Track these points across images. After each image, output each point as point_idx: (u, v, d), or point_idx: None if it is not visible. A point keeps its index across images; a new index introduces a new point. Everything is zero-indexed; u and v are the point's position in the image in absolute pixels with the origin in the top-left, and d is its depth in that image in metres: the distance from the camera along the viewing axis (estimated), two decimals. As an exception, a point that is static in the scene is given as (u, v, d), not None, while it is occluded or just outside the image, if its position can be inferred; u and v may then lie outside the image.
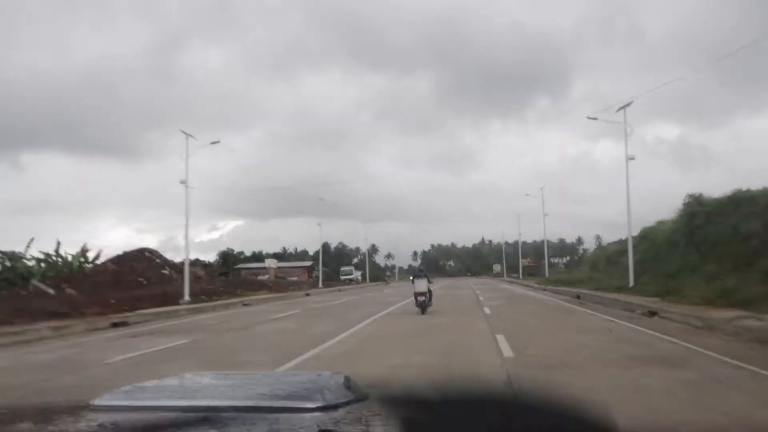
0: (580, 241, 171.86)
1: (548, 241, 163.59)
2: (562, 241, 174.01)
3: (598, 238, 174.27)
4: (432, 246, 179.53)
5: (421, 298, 19.09)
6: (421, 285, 19.33)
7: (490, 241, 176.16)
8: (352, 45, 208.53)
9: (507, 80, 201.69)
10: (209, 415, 1.24)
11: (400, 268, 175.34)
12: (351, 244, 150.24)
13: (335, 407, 1.27)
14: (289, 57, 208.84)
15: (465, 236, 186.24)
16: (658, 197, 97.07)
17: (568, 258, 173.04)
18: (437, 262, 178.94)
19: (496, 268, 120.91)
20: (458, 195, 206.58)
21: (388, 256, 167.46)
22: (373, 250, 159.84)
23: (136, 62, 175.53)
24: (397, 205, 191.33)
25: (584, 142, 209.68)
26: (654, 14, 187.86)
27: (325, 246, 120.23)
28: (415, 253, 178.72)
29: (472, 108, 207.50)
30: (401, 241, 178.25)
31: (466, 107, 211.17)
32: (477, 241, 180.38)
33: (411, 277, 21.00)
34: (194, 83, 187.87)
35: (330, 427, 1.12)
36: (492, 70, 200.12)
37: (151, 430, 1.20)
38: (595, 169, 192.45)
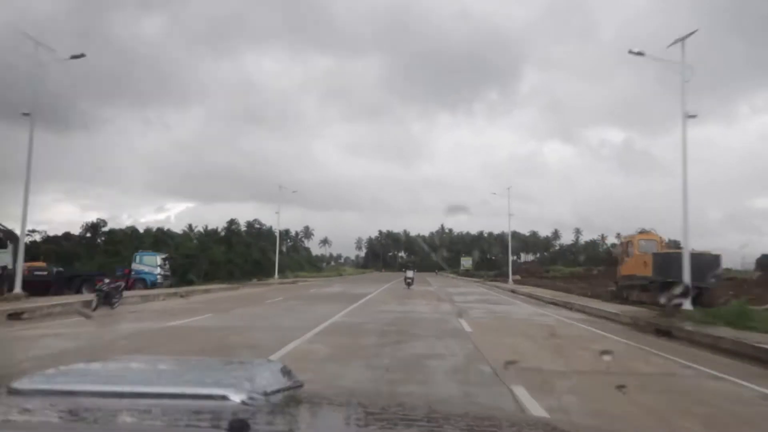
0: (556, 235, 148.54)
1: (515, 233, 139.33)
2: (534, 234, 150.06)
3: (577, 231, 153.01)
4: (380, 233, 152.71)
5: (409, 281, 37.46)
6: (410, 273, 38.58)
7: (451, 230, 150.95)
8: (297, 23, 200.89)
9: (457, 70, 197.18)
10: (131, 401, 1.23)
11: (346, 259, 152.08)
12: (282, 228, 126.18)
13: (263, 395, 1.27)
14: (231, 32, 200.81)
15: (418, 227, 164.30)
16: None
17: (538, 254, 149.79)
18: (386, 252, 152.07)
19: (466, 262, 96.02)
20: (408, 186, 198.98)
21: (324, 242, 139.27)
22: (307, 233, 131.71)
23: (64, 23, 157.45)
24: (343, 192, 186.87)
25: (533, 139, 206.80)
26: (608, 12, 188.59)
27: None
28: (360, 241, 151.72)
29: (421, 97, 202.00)
30: (346, 229, 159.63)
31: (415, 96, 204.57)
32: (435, 228, 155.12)
33: (404, 269, 43.55)
34: (130, 54, 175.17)
35: (248, 415, 1.11)
36: (442, 60, 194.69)
37: (70, 416, 1.19)
38: (547, 166, 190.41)
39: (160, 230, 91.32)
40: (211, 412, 1.18)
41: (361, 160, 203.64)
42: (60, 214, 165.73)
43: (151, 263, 33.24)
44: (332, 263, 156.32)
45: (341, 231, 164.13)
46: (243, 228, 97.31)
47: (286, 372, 1.51)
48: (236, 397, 1.23)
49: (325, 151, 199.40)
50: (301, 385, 1.47)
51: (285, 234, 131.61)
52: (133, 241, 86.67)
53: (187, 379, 1.42)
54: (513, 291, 32.61)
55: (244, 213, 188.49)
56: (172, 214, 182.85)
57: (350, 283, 43.08)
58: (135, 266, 33.14)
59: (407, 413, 1.50)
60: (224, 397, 1.23)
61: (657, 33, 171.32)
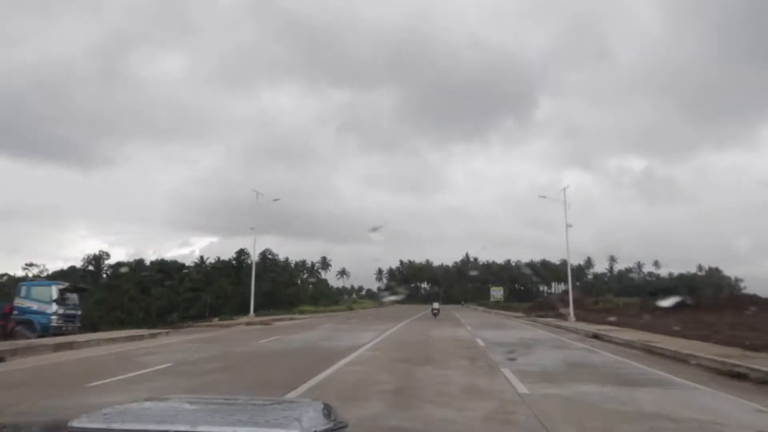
0: (589, 263, 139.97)
1: (545, 262, 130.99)
2: (564, 263, 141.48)
3: (612, 259, 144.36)
4: (401, 263, 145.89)
5: (435, 311, 42.81)
6: (436, 305, 44.83)
7: (476, 259, 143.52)
8: (312, 59, 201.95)
9: (471, 100, 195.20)
10: None
11: (367, 291, 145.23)
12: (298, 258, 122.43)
13: None
14: (248, 69, 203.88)
15: (440, 258, 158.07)
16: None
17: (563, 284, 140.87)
18: (408, 283, 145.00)
19: (497, 293, 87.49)
20: (428, 217, 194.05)
21: (342, 273, 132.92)
22: (324, 264, 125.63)
23: (84, 66, 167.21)
24: (362, 224, 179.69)
25: (551, 167, 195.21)
26: (623, 39, 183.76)
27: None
28: (380, 272, 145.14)
29: (436, 127, 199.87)
30: (365, 261, 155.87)
31: (430, 126, 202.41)
32: (459, 258, 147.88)
33: (432, 303, 47.85)
34: (149, 92, 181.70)
35: None
36: (456, 90, 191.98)
37: None
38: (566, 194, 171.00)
39: (163, 261, 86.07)
40: None
41: (378, 192, 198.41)
42: (88, 250, 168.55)
43: (44, 297, 22.15)
44: (353, 296, 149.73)
45: (360, 263, 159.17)
46: (257, 259, 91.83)
47: (329, 411, 1.59)
48: None
49: (343, 184, 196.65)
50: (345, 425, 1.52)
51: (302, 265, 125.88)
52: (137, 274, 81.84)
53: (239, 419, 1.50)
54: (597, 336, 19.91)
55: (266, 246, 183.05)
56: (197, 248, 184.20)
57: (352, 323, 36.77)
58: (19, 302, 22.37)
59: None
60: None
61: (670, 58, 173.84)
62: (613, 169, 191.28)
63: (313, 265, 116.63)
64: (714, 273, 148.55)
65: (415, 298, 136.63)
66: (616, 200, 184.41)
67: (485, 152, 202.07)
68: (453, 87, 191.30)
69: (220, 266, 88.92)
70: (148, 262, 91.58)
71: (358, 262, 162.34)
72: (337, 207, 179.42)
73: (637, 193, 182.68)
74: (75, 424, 1.43)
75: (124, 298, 73.88)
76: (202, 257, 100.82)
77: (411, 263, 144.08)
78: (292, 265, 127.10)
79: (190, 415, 1.59)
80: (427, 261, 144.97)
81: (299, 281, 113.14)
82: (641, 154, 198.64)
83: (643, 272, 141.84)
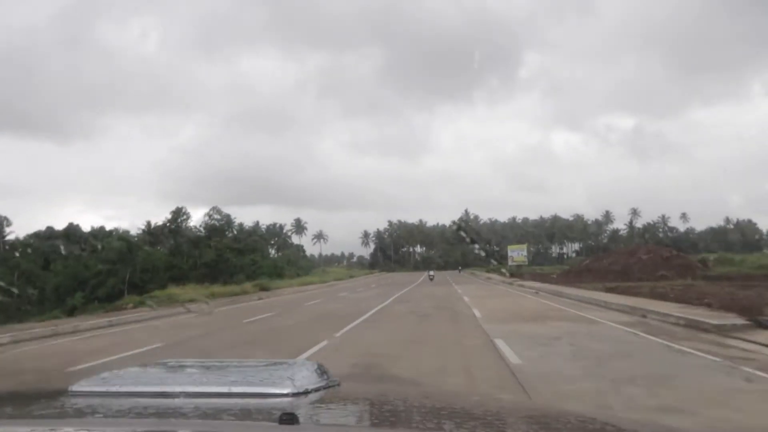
0: (608, 218, 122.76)
1: (556, 218, 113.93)
2: (578, 218, 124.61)
3: (634, 212, 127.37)
4: (390, 224, 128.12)
5: (431, 276, 47.32)
6: (431, 273, 51.32)
7: (476, 217, 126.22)
8: (289, 21, 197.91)
9: (455, 60, 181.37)
10: (182, 400, 1.36)
11: (359, 258, 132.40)
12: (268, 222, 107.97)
13: (305, 393, 1.40)
14: (223, 35, 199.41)
15: (434, 219, 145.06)
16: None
17: (580, 243, 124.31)
18: (399, 248, 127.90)
19: (517, 253, 62.28)
20: (417, 181, 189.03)
21: (318, 237, 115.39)
22: (298, 228, 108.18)
23: (52, 35, 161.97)
24: (349, 190, 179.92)
25: (540, 126, 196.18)
26: None
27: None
28: (366, 235, 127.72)
29: (420, 89, 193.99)
30: (353, 228, 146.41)
31: (413, 88, 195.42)
32: (456, 216, 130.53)
33: (428, 271, 58.34)
34: (121, 61, 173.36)
35: (296, 411, 1.19)
36: (438, 49, 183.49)
37: (126, 415, 1.30)
38: (556, 153, 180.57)
39: (73, 227, 68.30)
40: (260, 408, 1.31)
41: (364, 157, 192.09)
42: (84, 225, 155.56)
43: None
44: (343, 263, 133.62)
45: (349, 231, 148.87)
46: (203, 221, 74.05)
47: (323, 371, 1.63)
48: (280, 395, 1.37)
49: (328, 150, 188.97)
50: (338, 384, 1.59)
51: (273, 230, 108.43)
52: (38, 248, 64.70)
53: (233, 380, 1.54)
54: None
55: (258, 216, 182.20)
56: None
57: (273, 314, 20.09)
58: None
59: (437, 411, 1.58)
60: (271, 395, 1.37)
61: (655, 13, 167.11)
62: (603, 127, 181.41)
63: (281, 227, 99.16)
64: (745, 226, 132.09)
65: (405, 265, 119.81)
66: (606, 158, 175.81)
67: (471, 112, 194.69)
68: (435, 46, 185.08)
69: (154, 232, 71.49)
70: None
71: (347, 230, 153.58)
72: (323, 173, 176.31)
73: (625, 150, 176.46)
74: (75, 388, 1.49)
75: (13, 275, 56.55)
76: (149, 223, 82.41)
77: (401, 224, 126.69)
78: (263, 230, 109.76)
79: (185, 377, 1.64)
80: (420, 221, 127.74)
81: (271, 249, 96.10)
82: (630, 111, 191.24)
83: (667, 226, 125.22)
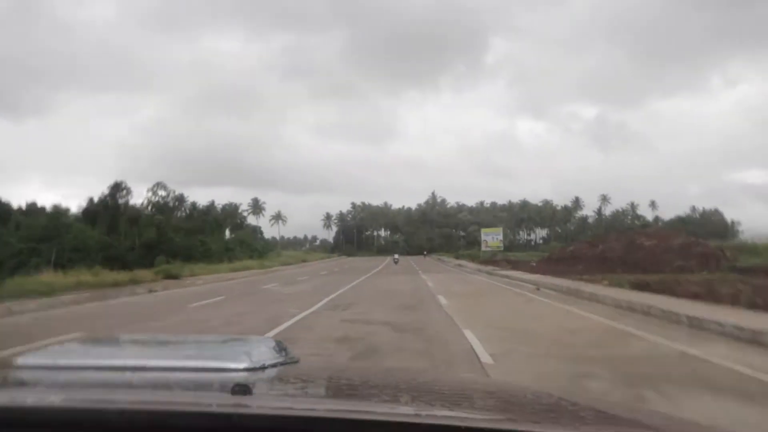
0: (578, 204, 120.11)
1: (525, 204, 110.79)
2: (547, 203, 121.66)
3: (604, 198, 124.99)
4: (353, 206, 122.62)
5: (396, 260, 52.28)
6: (396, 257, 57.01)
7: (443, 200, 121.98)
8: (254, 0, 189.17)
9: (422, 44, 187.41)
10: (132, 374, 1.31)
11: (322, 242, 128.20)
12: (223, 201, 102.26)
13: (262, 368, 1.36)
14: (185, 12, 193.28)
15: (400, 203, 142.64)
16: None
17: (548, 230, 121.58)
18: (362, 231, 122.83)
19: (491, 237, 54.67)
20: (383, 165, 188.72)
21: (277, 217, 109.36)
22: (255, 208, 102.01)
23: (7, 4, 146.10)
24: (315, 174, 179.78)
25: (507, 114, 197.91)
26: None
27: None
28: (328, 217, 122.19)
29: (387, 73, 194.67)
30: (317, 211, 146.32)
31: (380, 72, 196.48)
32: (423, 200, 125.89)
33: (393, 255, 63.04)
34: (79, 36, 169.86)
35: (248, 383, 1.18)
36: (405, 33, 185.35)
37: (72, 388, 1.25)
38: (522, 140, 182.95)
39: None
40: (213, 382, 1.26)
41: (330, 141, 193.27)
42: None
43: None
44: (305, 247, 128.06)
45: (312, 212, 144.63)
46: (146, 197, 67.34)
47: (281, 348, 1.59)
48: (236, 369, 1.32)
49: (294, 133, 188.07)
50: (297, 361, 1.57)
51: (229, 209, 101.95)
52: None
53: (188, 354, 1.52)
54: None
55: (222, 198, 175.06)
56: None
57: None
58: None
59: (392, 386, 1.56)
60: (225, 369, 1.32)
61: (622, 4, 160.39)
62: (567, 116, 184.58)
63: (236, 207, 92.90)
64: (711, 215, 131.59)
65: (368, 248, 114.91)
66: (570, 146, 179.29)
67: (438, 98, 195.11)
68: (402, 30, 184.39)
69: (93, 209, 64.60)
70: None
71: (312, 213, 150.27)
72: (288, 156, 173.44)
73: (589, 139, 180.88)
74: (21, 361, 1.43)
75: None
76: (91, 199, 74.94)
77: (365, 206, 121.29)
78: (219, 210, 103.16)
79: (138, 351, 1.60)
80: (385, 204, 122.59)
81: (225, 229, 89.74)
82: (595, 100, 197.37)
83: (637, 214, 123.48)
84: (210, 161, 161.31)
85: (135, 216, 58.31)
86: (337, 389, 1.50)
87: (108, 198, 62.75)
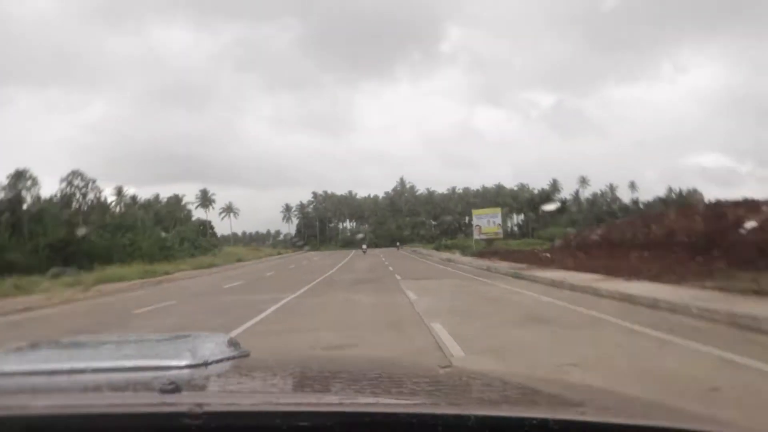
0: (555, 186, 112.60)
1: (500, 188, 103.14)
2: (524, 187, 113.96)
3: (583, 181, 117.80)
4: (315, 195, 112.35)
5: (364, 250, 57.17)
6: (364, 248, 60.55)
7: (413, 187, 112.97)
8: None
9: (377, 31, 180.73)
10: (66, 378, 1.26)
11: (274, 235, 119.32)
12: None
13: (205, 364, 1.31)
14: (130, 3, 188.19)
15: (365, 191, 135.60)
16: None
17: (522, 216, 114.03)
18: (326, 223, 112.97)
19: (488, 221, 44.27)
20: (345, 158, 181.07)
21: (228, 210, 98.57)
22: (204, 201, 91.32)
23: None
24: (273, 168, 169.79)
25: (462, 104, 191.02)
26: None
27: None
28: (288, 209, 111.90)
29: (343, 63, 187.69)
30: (278, 204, 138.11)
31: (336, 61, 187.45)
32: (393, 183, 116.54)
33: (362, 245, 64.22)
34: (18, 28, 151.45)
35: (183, 380, 1.14)
36: (359, 20, 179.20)
37: (8, 394, 1.21)
38: (481, 129, 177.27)
39: None
40: (147, 382, 1.19)
41: (288, 134, 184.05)
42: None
43: None
44: (269, 242, 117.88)
45: (274, 207, 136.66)
46: (59, 189, 56.28)
47: (232, 344, 1.55)
48: (177, 366, 1.27)
49: (250, 126, 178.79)
50: (246, 355, 1.52)
51: (174, 203, 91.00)
52: None
53: (127, 354, 1.47)
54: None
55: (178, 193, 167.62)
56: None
57: None
58: None
59: (336, 374, 1.55)
60: (164, 368, 1.26)
61: None
62: (525, 104, 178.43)
63: (179, 199, 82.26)
64: (692, 195, 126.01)
65: (334, 241, 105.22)
66: (529, 134, 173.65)
67: (396, 87, 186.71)
68: (356, 16, 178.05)
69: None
70: None
71: (274, 207, 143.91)
72: (245, 150, 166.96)
73: (546, 126, 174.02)
74: None
75: None
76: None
77: (327, 195, 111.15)
78: (161, 203, 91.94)
79: (74, 354, 1.55)
80: (350, 192, 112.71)
81: (172, 226, 78.99)
82: (551, 88, 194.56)
83: (616, 196, 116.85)
84: (166, 158, 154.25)
85: (37, 212, 47.55)
86: (279, 383, 1.44)
87: (7, 190, 51.45)
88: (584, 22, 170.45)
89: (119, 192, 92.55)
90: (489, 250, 34.58)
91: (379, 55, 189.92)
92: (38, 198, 52.05)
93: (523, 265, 20.26)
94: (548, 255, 27.87)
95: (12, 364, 1.40)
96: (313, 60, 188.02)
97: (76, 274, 30.26)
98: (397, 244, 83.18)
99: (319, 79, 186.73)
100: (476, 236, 43.45)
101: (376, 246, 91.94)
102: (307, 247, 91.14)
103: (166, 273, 30.56)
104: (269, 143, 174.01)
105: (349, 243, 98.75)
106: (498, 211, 48.28)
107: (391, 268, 27.54)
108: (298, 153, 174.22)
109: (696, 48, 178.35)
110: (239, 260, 50.48)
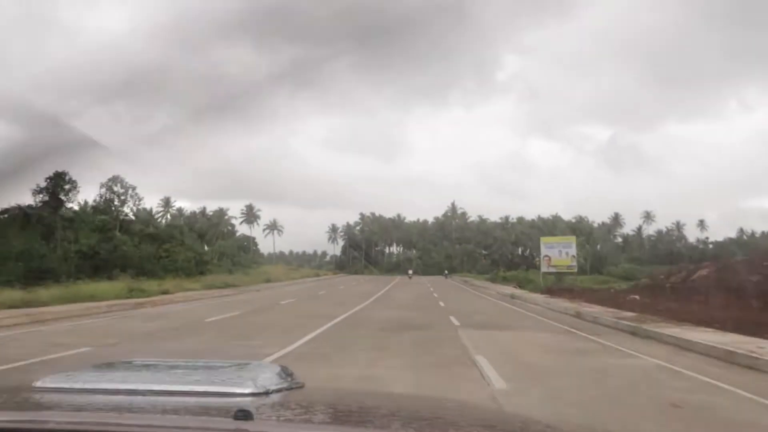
0: (617, 220, 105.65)
1: (556, 219, 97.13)
2: (581, 219, 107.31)
3: (647, 216, 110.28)
4: (362, 217, 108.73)
5: (410, 275, 66.57)
6: (411, 271, 72.28)
7: (464, 213, 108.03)
8: (261, 12, 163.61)
9: (431, 60, 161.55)
10: (143, 398, 1.39)
11: (321, 256, 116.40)
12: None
13: (266, 393, 1.44)
14: (194, 24, 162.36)
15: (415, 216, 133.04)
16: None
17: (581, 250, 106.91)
18: (372, 246, 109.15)
19: (562, 251, 37.48)
20: (394, 182, 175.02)
21: (272, 227, 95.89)
22: (249, 217, 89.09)
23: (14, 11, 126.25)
24: (322, 188, 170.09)
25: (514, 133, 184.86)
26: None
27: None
28: (334, 230, 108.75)
29: (396, 88, 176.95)
30: (325, 225, 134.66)
31: (389, 87, 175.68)
32: (441, 210, 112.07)
33: (408, 270, 75.60)
34: (89, 45, 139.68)
35: (252, 408, 1.23)
36: (414, 49, 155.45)
37: (87, 411, 1.33)
38: (533, 160, 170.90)
39: None
40: (219, 406, 1.33)
41: (339, 154, 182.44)
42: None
43: None
44: (315, 263, 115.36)
45: (321, 227, 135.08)
46: (99, 193, 54.09)
47: (287, 373, 1.68)
48: (241, 394, 1.40)
49: (304, 146, 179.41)
50: (301, 386, 1.63)
51: (219, 217, 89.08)
52: None
53: (196, 379, 1.58)
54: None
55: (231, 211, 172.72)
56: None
57: None
58: None
59: (391, 411, 1.61)
60: (230, 394, 1.40)
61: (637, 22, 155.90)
62: (579, 137, 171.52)
63: (222, 213, 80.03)
64: (764, 239, 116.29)
65: (380, 265, 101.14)
66: (581, 167, 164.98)
67: (447, 113, 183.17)
68: (411, 42, 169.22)
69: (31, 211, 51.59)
70: None
71: (321, 228, 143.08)
72: (299, 170, 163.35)
73: (601, 160, 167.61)
74: (38, 384, 1.50)
75: None
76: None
77: (375, 217, 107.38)
78: (208, 216, 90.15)
79: (149, 376, 1.67)
80: (398, 215, 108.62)
81: (212, 239, 76.74)
82: (607, 121, 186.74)
83: (683, 235, 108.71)
84: (218, 174, 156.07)
85: (71, 216, 45.27)
86: (337, 414, 1.51)
87: (45, 193, 49.46)
88: (644, 55, 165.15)
89: (167, 203, 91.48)
90: (560, 286, 29.65)
91: (432, 81, 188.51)
92: (76, 203, 49.92)
93: (630, 314, 15.51)
94: (636, 297, 22.96)
95: (93, 383, 1.52)
96: (366, 84, 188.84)
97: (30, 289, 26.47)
98: (446, 272, 78.41)
99: (372, 102, 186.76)
100: (544, 269, 37.75)
101: (423, 273, 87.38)
102: (334, 270, 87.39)
103: (164, 293, 26.21)
104: (320, 164, 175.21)
105: (395, 268, 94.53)
106: (572, 240, 41.65)
107: (442, 304, 22.62)
108: (347, 175, 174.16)
109: (763, 86, 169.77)
110: (268, 281, 46.71)
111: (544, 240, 41.57)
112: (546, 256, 37.70)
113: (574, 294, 25.83)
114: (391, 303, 23.24)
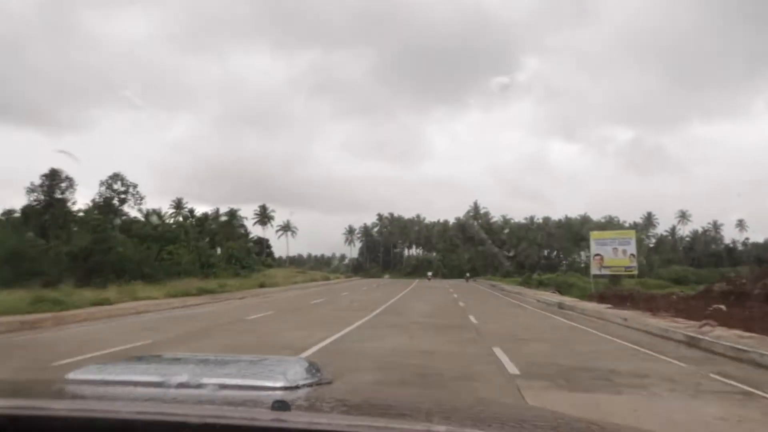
0: (650, 220, 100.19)
1: (585, 218, 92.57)
2: (611, 219, 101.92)
3: (683, 216, 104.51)
4: (380, 217, 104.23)
5: (429, 277, 73.75)
6: (430, 274, 75.51)
7: (487, 213, 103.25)
8: (278, 16, 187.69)
9: (451, 62, 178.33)
10: (176, 390, 1.41)
11: (339, 259, 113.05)
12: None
13: (297, 387, 1.47)
14: (211, 30, 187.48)
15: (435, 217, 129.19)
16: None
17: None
18: (390, 248, 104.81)
19: (621, 248, 29.81)
20: (409, 184, 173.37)
21: (285, 228, 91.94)
22: (263, 218, 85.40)
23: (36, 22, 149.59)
24: (340, 192, 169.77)
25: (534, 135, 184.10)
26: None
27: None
28: (351, 231, 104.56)
29: (415, 91, 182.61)
30: (343, 228, 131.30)
31: (408, 90, 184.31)
32: (461, 212, 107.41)
33: (428, 273, 78.27)
34: (108, 53, 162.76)
35: (287, 399, 1.25)
36: (434, 51, 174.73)
37: (117, 401, 1.35)
38: (553, 162, 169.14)
39: None
40: (253, 399, 1.36)
41: (358, 158, 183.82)
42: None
43: None
44: (334, 265, 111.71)
45: (339, 230, 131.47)
46: (99, 192, 50.44)
47: (316, 368, 1.69)
48: (273, 387, 1.43)
49: (322, 150, 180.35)
50: (330, 382, 1.66)
51: (232, 216, 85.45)
52: None
53: (227, 372, 1.61)
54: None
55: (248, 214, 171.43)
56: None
57: None
58: None
59: (426, 407, 1.61)
60: (263, 387, 1.43)
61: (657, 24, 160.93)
62: (600, 138, 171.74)
63: (233, 213, 76.49)
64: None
65: (398, 267, 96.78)
66: (603, 169, 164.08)
67: (466, 116, 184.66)
68: (430, 45, 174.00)
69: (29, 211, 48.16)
70: None
71: (339, 231, 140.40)
72: (318, 174, 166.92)
73: (623, 162, 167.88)
74: (71, 376, 1.54)
75: None
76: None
77: (394, 218, 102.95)
78: (219, 217, 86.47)
79: (181, 369, 1.67)
80: (418, 216, 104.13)
81: (224, 240, 73.00)
82: (629, 123, 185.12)
83: (720, 235, 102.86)
84: (236, 178, 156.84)
85: (63, 215, 41.70)
86: (371, 408, 1.52)
87: (41, 192, 46.06)
88: (667, 56, 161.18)
89: (178, 205, 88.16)
90: (616, 292, 24.71)
91: (451, 83, 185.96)
92: (72, 201, 46.44)
93: (754, 334, 11.04)
94: (722, 308, 18.37)
95: (126, 375, 1.54)
96: (385, 87, 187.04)
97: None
98: (467, 275, 73.82)
99: (390, 105, 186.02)
100: (595, 270, 31.43)
101: (444, 276, 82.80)
102: (347, 273, 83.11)
103: (100, 303, 19.64)
104: (338, 167, 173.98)
105: (414, 270, 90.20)
106: (631, 235, 34.40)
107: (473, 320, 16.68)
108: (366, 178, 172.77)
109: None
110: (261, 285, 42.24)
111: (594, 235, 34.49)
112: (597, 254, 31.34)
113: (636, 302, 21.31)
114: (397, 320, 16.39)
